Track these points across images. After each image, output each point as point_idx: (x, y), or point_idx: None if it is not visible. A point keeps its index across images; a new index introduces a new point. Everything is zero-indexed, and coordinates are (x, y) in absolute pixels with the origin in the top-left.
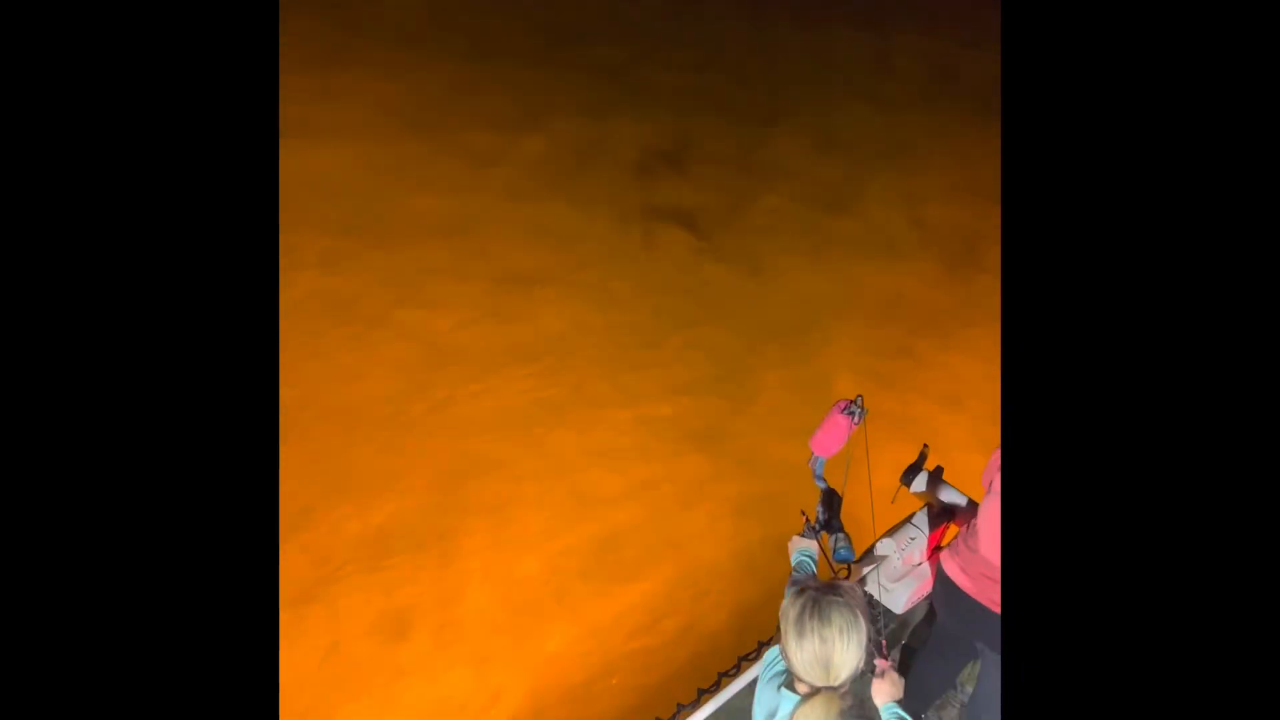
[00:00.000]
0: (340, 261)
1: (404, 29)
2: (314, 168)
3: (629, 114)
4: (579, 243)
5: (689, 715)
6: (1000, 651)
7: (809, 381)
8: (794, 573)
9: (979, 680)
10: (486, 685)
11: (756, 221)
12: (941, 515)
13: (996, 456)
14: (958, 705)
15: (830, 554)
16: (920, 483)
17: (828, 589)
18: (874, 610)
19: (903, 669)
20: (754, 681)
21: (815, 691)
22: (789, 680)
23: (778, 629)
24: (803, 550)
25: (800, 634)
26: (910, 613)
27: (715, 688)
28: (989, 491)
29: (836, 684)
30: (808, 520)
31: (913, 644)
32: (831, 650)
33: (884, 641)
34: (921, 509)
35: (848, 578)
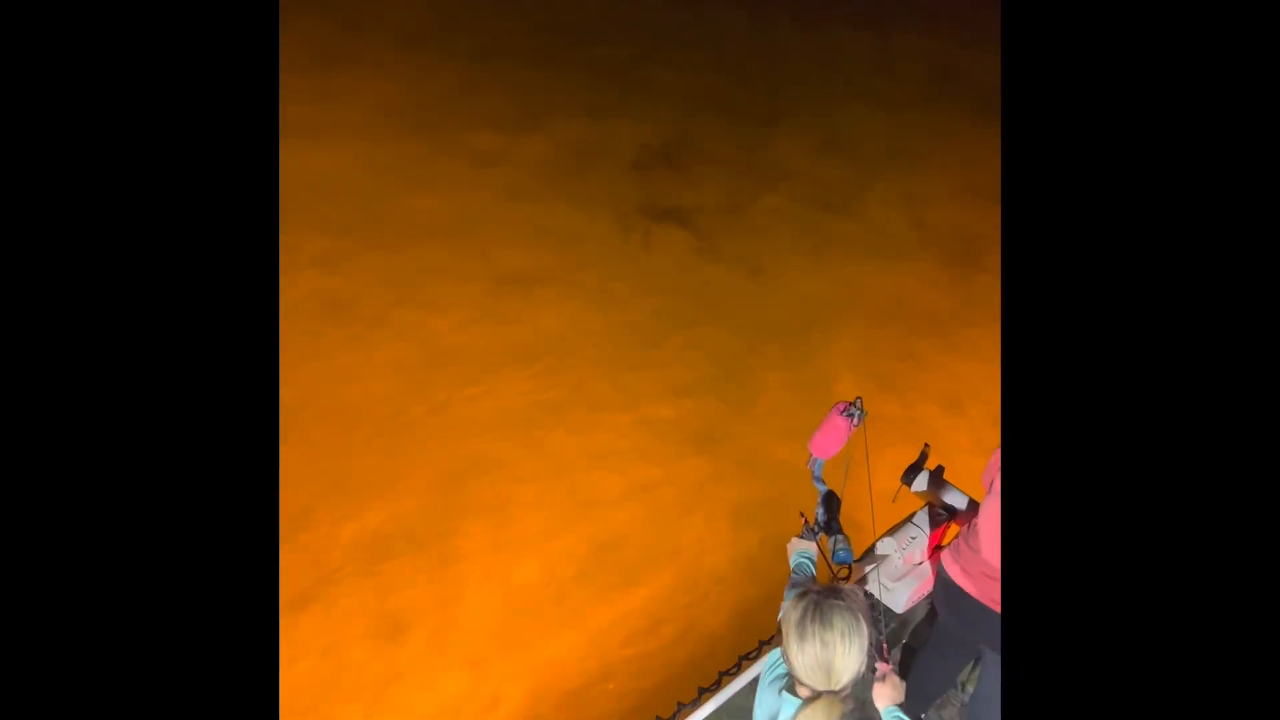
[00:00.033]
0: (340, 262)
1: (404, 29)
2: (314, 168)
3: (630, 114)
4: (579, 243)
5: (689, 714)
6: (1000, 651)
7: (809, 383)
8: (793, 575)
9: (979, 680)
10: (483, 688)
11: (757, 222)
12: (942, 514)
13: (997, 456)
14: (958, 705)
15: (829, 556)
16: (921, 482)
17: (829, 593)
18: (875, 613)
19: (903, 668)
20: (754, 680)
21: (817, 695)
22: (790, 684)
23: (778, 630)
24: (802, 552)
25: (802, 638)
26: (911, 612)
27: (716, 686)
28: (989, 491)
29: (838, 688)
30: (806, 522)
31: (913, 643)
32: (833, 655)
33: (885, 645)
34: (922, 508)
35: (848, 578)
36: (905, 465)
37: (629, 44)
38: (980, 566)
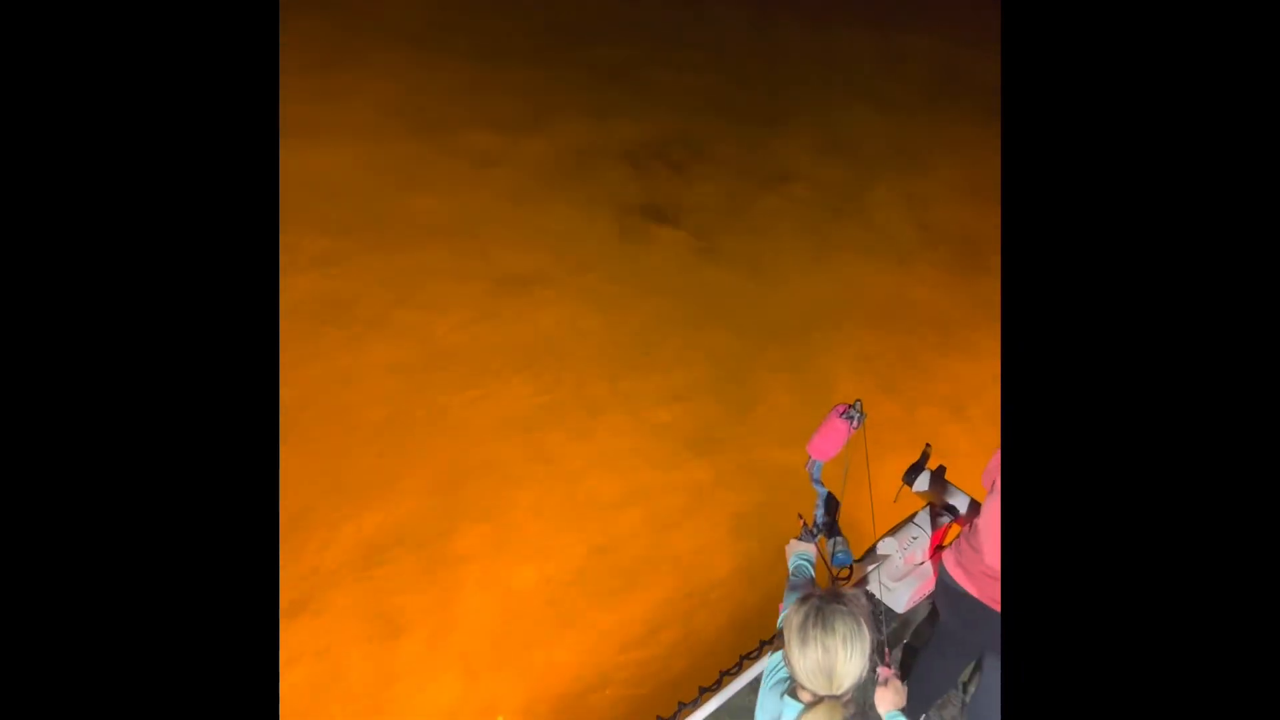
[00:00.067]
0: (339, 262)
1: (405, 29)
2: (314, 168)
3: (630, 115)
4: (579, 244)
5: (691, 714)
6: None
7: (810, 385)
8: (791, 577)
9: (981, 680)
10: (480, 693)
11: (758, 223)
12: (944, 514)
13: (997, 457)
14: (959, 705)
15: (828, 558)
16: (923, 482)
17: (832, 597)
18: (877, 616)
19: (904, 668)
20: (755, 680)
21: (818, 700)
22: (792, 688)
23: (779, 633)
24: (801, 554)
25: (803, 643)
26: (912, 612)
27: (717, 686)
28: (991, 491)
29: (839, 693)
30: (805, 524)
31: (914, 643)
32: (835, 660)
33: (887, 649)
34: (924, 508)
35: (849, 578)
36: (907, 468)
37: (630, 44)
38: (981, 566)
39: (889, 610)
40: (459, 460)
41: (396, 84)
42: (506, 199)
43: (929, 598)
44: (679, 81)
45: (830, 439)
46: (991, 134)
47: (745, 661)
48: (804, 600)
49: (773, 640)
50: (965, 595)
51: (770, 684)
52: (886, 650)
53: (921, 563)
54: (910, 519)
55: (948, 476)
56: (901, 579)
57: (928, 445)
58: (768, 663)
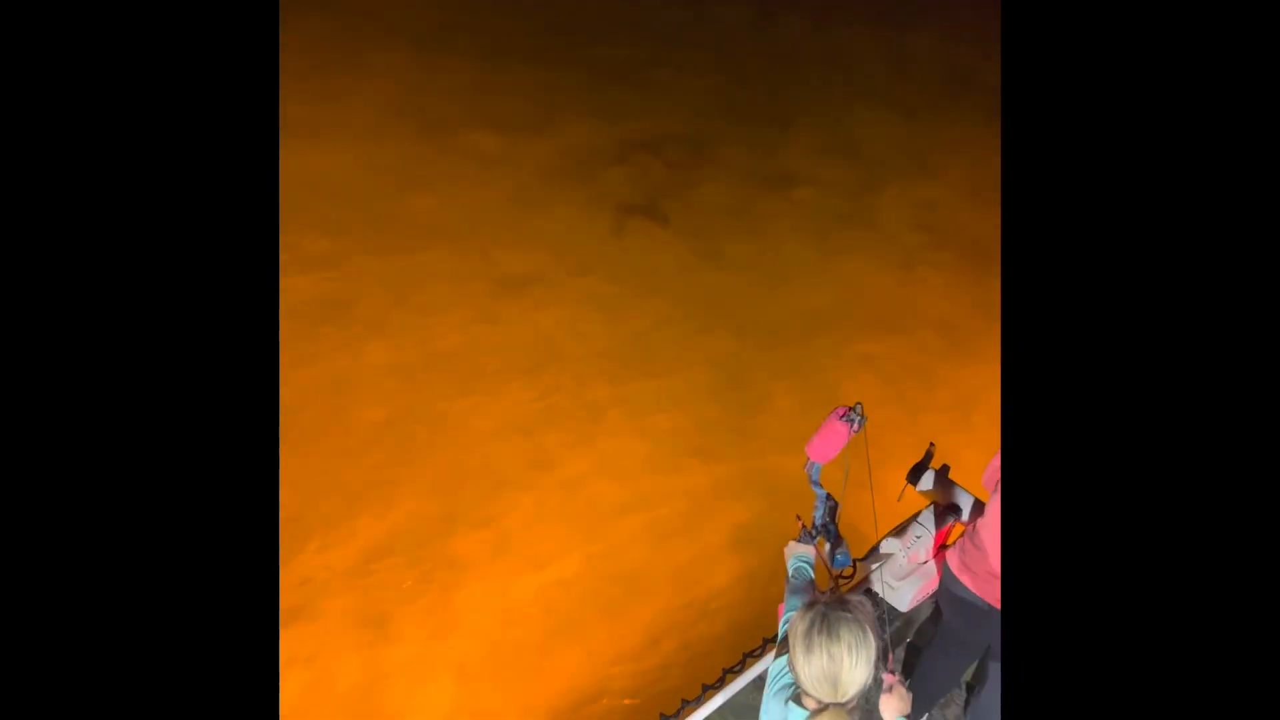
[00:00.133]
0: (339, 262)
1: (405, 29)
2: (314, 168)
3: (632, 116)
4: (580, 245)
5: (693, 712)
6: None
7: (814, 390)
8: (791, 579)
9: (983, 679)
10: (474, 701)
11: (761, 225)
12: (947, 513)
13: (997, 459)
14: (961, 704)
15: (827, 559)
16: (926, 481)
17: (837, 604)
18: (880, 621)
19: (908, 667)
20: (758, 678)
21: (823, 707)
22: (796, 694)
23: (782, 638)
24: (800, 556)
25: (808, 650)
26: (915, 611)
27: (720, 683)
28: (994, 491)
29: (844, 700)
30: (804, 525)
31: (918, 642)
32: (839, 667)
33: (891, 655)
34: (928, 507)
35: (851, 577)
36: (910, 467)
37: (631, 45)
38: (985, 566)
39: (892, 609)
40: (457, 464)
41: (397, 84)
42: (507, 200)
43: (932, 597)
44: (681, 82)
45: (830, 441)
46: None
47: (748, 659)
48: (809, 607)
49: (775, 637)
50: (968, 594)
51: (774, 690)
52: (890, 656)
53: (925, 562)
54: (914, 518)
55: (956, 478)
56: (905, 578)
57: (931, 445)
58: (772, 668)
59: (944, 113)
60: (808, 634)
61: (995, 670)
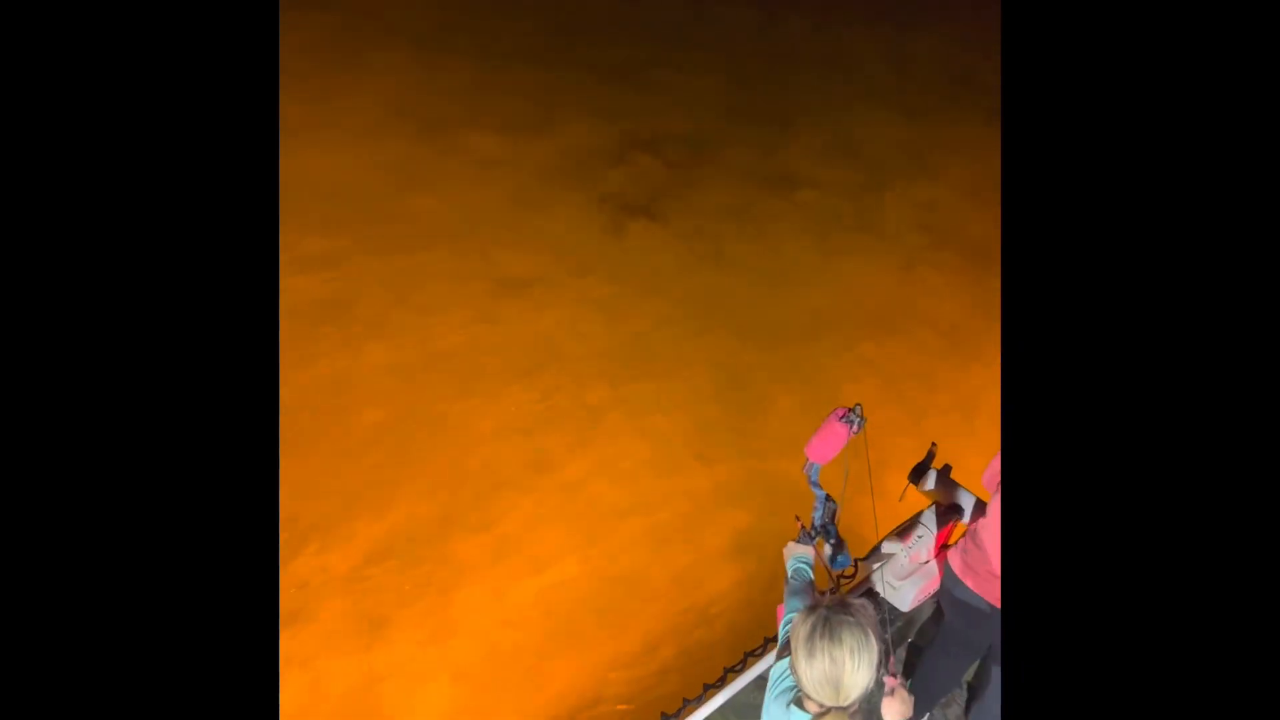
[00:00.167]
0: (339, 263)
1: (406, 29)
2: (314, 168)
3: (633, 116)
4: (581, 246)
5: (695, 710)
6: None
7: (817, 392)
8: (790, 580)
9: (985, 680)
10: (471, 704)
11: (762, 227)
12: (949, 513)
13: (998, 460)
14: (963, 703)
15: (827, 560)
16: (928, 481)
17: (839, 608)
18: (882, 624)
19: (909, 667)
20: (759, 677)
21: (826, 711)
22: (798, 697)
23: (784, 641)
24: (799, 557)
25: (811, 654)
26: (917, 611)
27: (721, 682)
28: (996, 491)
29: (846, 704)
30: (803, 526)
31: (919, 642)
32: (842, 671)
33: (893, 659)
34: (929, 507)
35: (853, 576)
36: (912, 467)
37: (632, 45)
38: (987, 566)
39: (894, 609)
40: (456, 465)
41: (397, 84)
42: (507, 200)
43: (934, 596)
44: (681, 82)
45: (829, 442)
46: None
47: (750, 658)
48: (811, 610)
49: (776, 637)
50: (970, 594)
51: (776, 693)
52: (892, 658)
53: (927, 561)
54: (916, 517)
55: (959, 480)
56: (907, 577)
57: (933, 444)
58: (773, 671)
59: (945, 113)
60: (810, 637)
61: (997, 673)
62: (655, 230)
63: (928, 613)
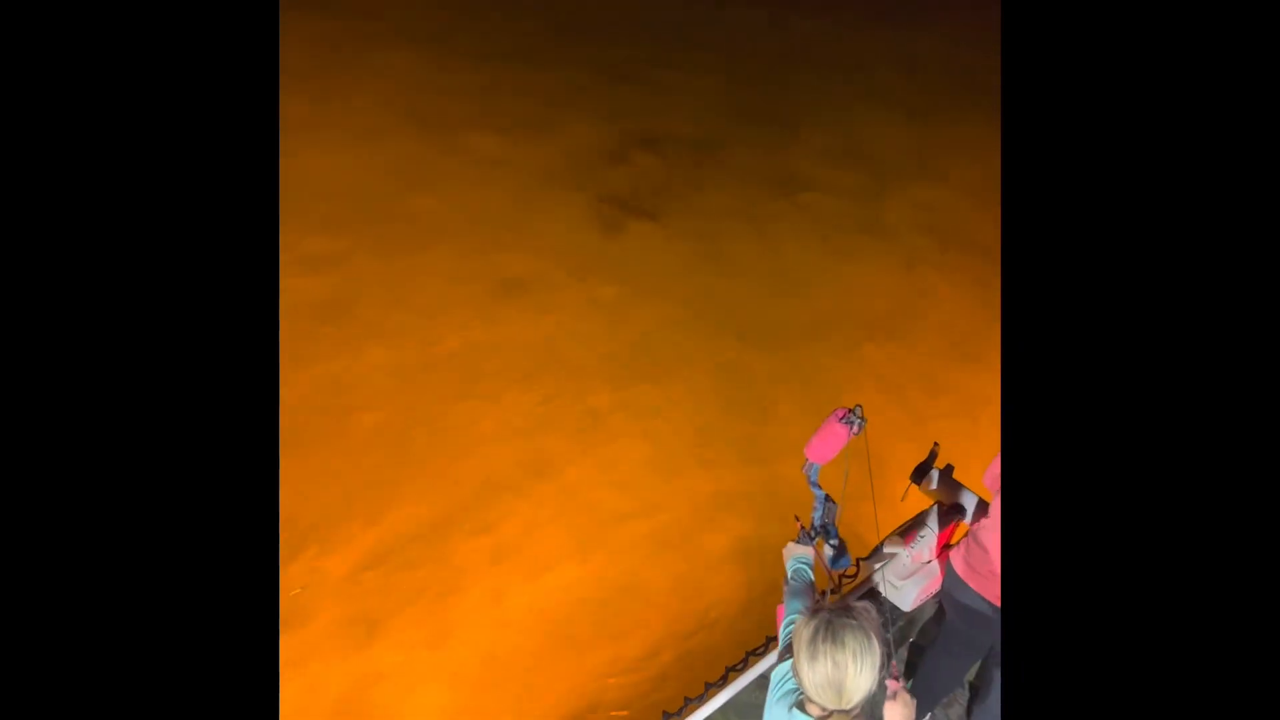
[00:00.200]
0: (339, 263)
1: (407, 29)
2: (314, 168)
3: (636, 117)
4: (583, 247)
5: (696, 709)
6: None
7: (819, 395)
8: (790, 580)
9: (987, 681)
10: (467, 709)
11: (766, 228)
12: (951, 513)
13: (998, 460)
14: (964, 703)
15: (826, 561)
16: (931, 481)
17: (842, 611)
18: (885, 627)
19: (911, 667)
20: (761, 676)
21: (828, 714)
22: (800, 700)
23: (785, 644)
24: (799, 557)
25: (813, 657)
26: (919, 610)
27: (723, 682)
28: (997, 492)
29: (849, 707)
30: (803, 526)
31: (921, 642)
32: (844, 674)
33: (895, 662)
34: (931, 506)
35: (855, 575)
36: (914, 466)
37: (636, 45)
38: (989, 566)
39: (895, 608)
40: (455, 468)
41: (398, 84)
42: (508, 201)
43: (936, 596)
44: (683, 83)
45: (829, 443)
46: None
47: (751, 657)
48: (814, 613)
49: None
50: (972, 594)
51: (778, 695)
52: (894, 661)
53: (929, 561)
54: (918, 517)
55: (963, 481)
56: (908, 577)
57: (935, 444)
58: (775, 674)
59: (949, 114)
60: (812, 641)
61: (998, 675)
62: (657, 231)
63: (930, 612)
